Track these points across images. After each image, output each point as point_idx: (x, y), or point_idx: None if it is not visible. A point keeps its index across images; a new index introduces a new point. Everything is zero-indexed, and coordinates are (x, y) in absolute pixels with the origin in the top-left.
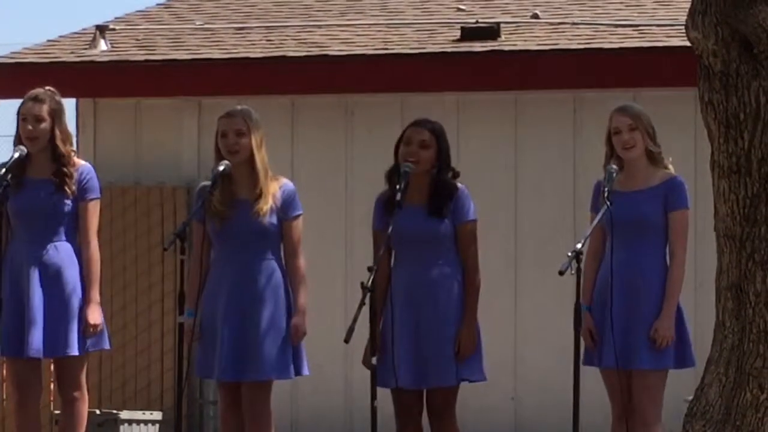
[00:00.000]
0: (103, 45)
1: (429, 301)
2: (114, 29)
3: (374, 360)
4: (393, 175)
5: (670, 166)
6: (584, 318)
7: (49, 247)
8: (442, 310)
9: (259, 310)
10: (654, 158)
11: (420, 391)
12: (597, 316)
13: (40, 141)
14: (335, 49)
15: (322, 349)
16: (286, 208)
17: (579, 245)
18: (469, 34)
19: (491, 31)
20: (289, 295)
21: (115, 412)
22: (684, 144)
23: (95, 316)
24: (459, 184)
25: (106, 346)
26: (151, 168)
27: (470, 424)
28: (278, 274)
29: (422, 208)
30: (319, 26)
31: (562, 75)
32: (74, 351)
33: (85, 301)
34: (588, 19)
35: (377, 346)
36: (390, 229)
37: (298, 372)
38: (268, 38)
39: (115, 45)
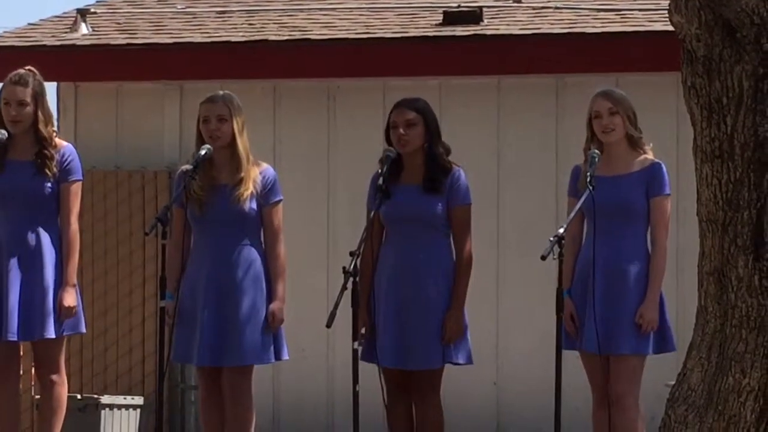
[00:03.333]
0: (84, 29)
1: (415, 282)
2: (95, 13)
3: (356, 345)
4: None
5: (650, 151)
6: (564, 303)
7: (29, 230)
8: (428, 291)
9: (239, 296)
10: (634, 142)
11: (409, 372)
12: (577, 300)
13: (23, 124)
14: (317, 33)
15: (305, 333)
16: (266, 193)
17: (561, 230)
18: (451, 18)
19: (473, 15)
20: (268, 282)
21: (96, 396)
22: (666, 129)
23: (70, 298)
24: (455, 165)
25: (82, 329)
26: (133, 152)
27: (452, 409)
28: (258, 260)
29: (418, 186)
30: (301, 10)
31: (545, 59)
32: (50, 334)
33: (60, 284)
34: (570, 3)
35: (365, 330)
36: (372, 214)
37: (278, 357)
38: (250, 22)
39: (96, 29)
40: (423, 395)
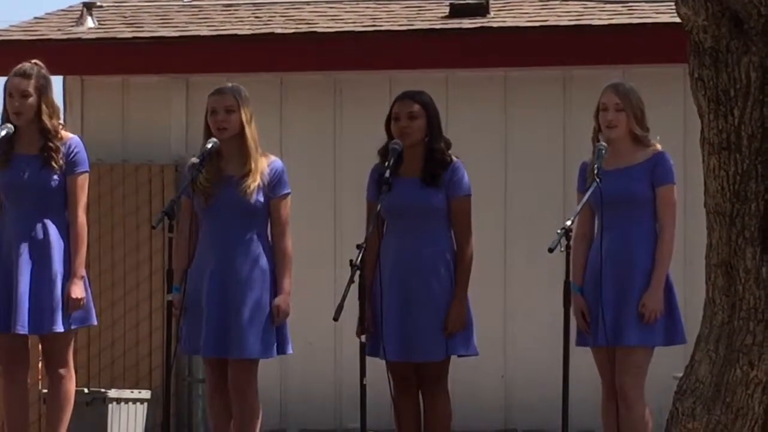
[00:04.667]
0: (90, 22)
1: (418, 275)
2: (101, 6)
3: (363, 338)
4: (385, 151)
5: (658, 146)
6: (576, 299)
7: (37, 223)
8: (431, 284)
9: (244, 289)
10: (638, 140)
11: (414, 363)
12: (589, 297)
13: (25, 116)
14: (323, 26)
15: (312, 326)
16: (274, 186)
17: (568, 222)
18: (458, 10)
19: (480, 8)
20: (274, 274)
21: (103, 390)
22: (673, 120)
23: (78, 290)
24: (455, 158)
25: (93, 321)
26: (139, 146)
27: (460, 401)
28: (264, 252)
29: (417, 179)
30: (307, 3)
31: (552, 52)
32: (59, 327)
33: (68, 276)
34: None
35: (367, 324)
36: (379, 207)
37: (282, 351)
38: (256, 15)
39: (102, 22)
40: (430, 387)
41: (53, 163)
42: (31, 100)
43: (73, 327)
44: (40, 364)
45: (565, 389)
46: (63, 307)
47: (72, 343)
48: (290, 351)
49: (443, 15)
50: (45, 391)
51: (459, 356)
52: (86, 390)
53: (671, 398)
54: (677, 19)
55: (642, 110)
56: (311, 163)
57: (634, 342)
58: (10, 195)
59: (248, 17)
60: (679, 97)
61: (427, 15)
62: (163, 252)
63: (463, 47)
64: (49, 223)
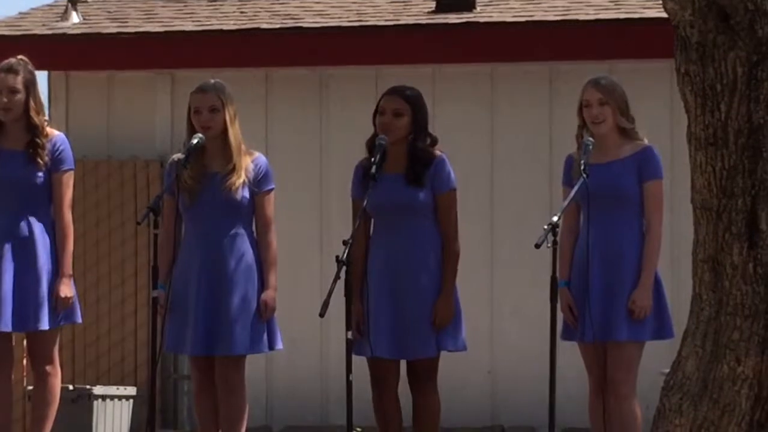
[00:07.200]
0: (75, 17)
1: (407, 271)
2: (86, 1)
3: (349, 335)
4: (373, 144)
5: (645, 140)
6: (563, 294)
7: (21, 220)
8: (420, 280)
9: (231, 286)
10: (626, 133)
11: (396, 361)
12: (576, 291)
13: (14, 112)
14: (309, 21)
15: (298, 323)
16: (258, 182)
17: (555, 218)
18: (444, 5)
19: (466, 3)
20: (261, 270)
21: (88, 387)
22: (660, 116)
23: (66, 289)
24: (438, 152)
25: (78, 319)
26: (124, 141)
27: (447, 397)
28: (250, 248)
29: (401, 176)
30: None
31: (538, 47)
32: (45, 325)
33: (56, 275)
34: None
35: (354, 321)
36: (365, 202)
37: (271, 347)
38: (242, 10)
39: (87, 17)
40: (420, 384)
41: (39, 160)
42: (20, 96)
43: (60, 324)
44: (25, 361)
45: (552, 385)
46: (49, 305)
47: (57, 340)
48: (280, 346)
49: (429, 10)
50: (30, 388)
51: (448, 351)
52: (71, 387)
53: (658, 394)
54: (664, 14)
55: (626, 102)
56: (297, 159)
57: (624, 337)
58: None
59: (234, 12)
60: (666, 92)
61: (413, 10)
62: (149, 248)
63: (449, 42)
64: (33, 220)
